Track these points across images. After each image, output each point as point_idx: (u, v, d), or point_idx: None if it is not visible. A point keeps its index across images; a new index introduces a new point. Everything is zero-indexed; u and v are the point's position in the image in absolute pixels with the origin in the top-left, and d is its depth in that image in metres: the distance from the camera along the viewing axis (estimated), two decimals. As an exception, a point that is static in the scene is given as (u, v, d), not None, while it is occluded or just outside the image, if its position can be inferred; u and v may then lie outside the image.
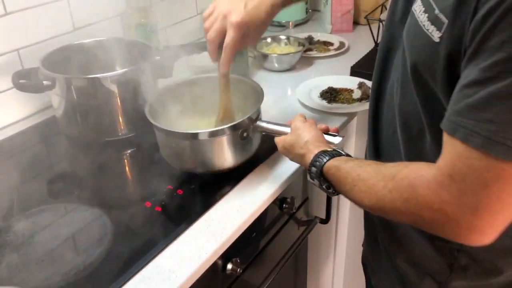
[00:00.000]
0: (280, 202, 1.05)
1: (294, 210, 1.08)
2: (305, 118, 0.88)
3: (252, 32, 0.88)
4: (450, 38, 0.56)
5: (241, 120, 0.92)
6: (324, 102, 1.25)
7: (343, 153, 0.76)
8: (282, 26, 1.78)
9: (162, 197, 0.93)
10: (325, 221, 1.23)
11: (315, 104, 1.24)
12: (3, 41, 1.14)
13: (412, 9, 0.65)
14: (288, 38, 1.53)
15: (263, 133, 0.96)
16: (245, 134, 0.93)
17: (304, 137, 0.81)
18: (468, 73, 0.53)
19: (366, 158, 0.90)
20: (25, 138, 1.16)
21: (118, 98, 1.07)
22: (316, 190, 1.20)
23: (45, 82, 1.04)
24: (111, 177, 1.04)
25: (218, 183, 0.96)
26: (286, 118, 1.00)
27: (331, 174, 0.73)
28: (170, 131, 0.93)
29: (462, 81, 0.54)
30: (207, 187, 0.96)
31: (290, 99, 1.31)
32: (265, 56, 1.43)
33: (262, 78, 1.42)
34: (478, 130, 0.52)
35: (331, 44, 1.61)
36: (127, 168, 1.11)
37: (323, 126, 0.87)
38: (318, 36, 1.66)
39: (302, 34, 1.65)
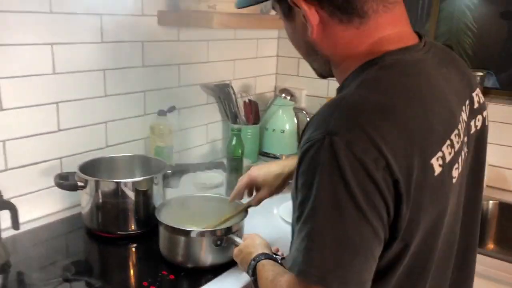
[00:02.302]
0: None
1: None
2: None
3: (263, 188, 1.23)
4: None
5: (215, 229, 1.19)
6: (301, 219, 1.51)
7: (278, 258, 1.01)
8: (276, 158, 2.11)
9: (157, 279, 1.16)
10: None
11: (293, 220, 1.50)
12: (51, 151, 1.47)
13: None
14: (278, 166, 1.85)
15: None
16: (218, 242, 1.18)
17: (256, 241, 1.08)
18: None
19: None
20: (55, 227, 1.43)
21: (133, 200, 1.35)
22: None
23: (79, 183, 1.34)
24: (120, 261, 1.29)
25: (203, 272, 1.19)
26: (270, 232, 1.32)
27: (259, 270, 0.96)
28: (166, 225, 1.20)
29: None
30: (195, 275, 1.18)
31: (275, 216, 1.57)
32: (257, 180, 1.73)
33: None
34: (293, 257, 0.68)
35: (315, 175, 1.92)
36: (133, 257, 1.35)
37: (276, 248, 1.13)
38: (306, 168, 1.97)
39: (292, 165, 1.96)
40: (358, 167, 0.63)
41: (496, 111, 1.88)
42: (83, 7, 1.45)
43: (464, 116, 0.82)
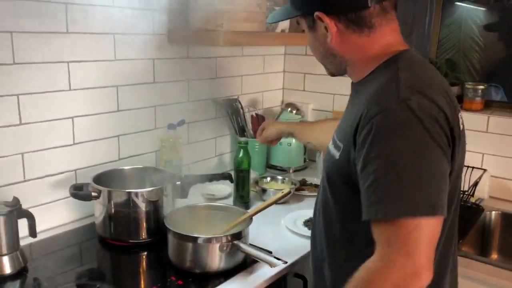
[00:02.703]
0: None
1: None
2: None
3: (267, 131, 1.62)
4: (344, 155, 0.95)
5: (221, 235, 1.24)
6: (306, 229, 1.56)
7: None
8: (284, 170, 2.17)
9: (166, 284, 1.22)
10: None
11: (299, 230, 1.55)
12: (67, 163, 1.54)
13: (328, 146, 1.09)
14: (284, 178, 1.91)
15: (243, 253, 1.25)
16: (225, 248, 1.24)
17: None
18: (364, 181, 0.86)
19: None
20: (69, 236, 1.50)
21: (144, 210, 1.41)
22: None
23: (93, 193, 1.41)
24: (131, 268, 1.36)
25: (211, 277, 1.25)
26: (276, 241, 1.42)
27: None
28: (175, 232, 1.26)
29: (362, 186, 0.87)
30: (202, 281, 1.24)
31: (281, 226, 1.61)
32: (264, 190, 1.79)
33: (261, 208, 1.76)
34: (391, 206, 0.82)
35: (321, 186, 1.97)
36: (144, 264, 1.41)
37: None
38: (313, 180, 2.03)
39: (298, 177, 2.02)
40: (431, 119, 0.85)
41: (498, 123, 1.93)
42: (98, 27, 1.54)
43: None
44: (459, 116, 0.96)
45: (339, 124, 1.08)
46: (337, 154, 0.98)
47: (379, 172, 0.84)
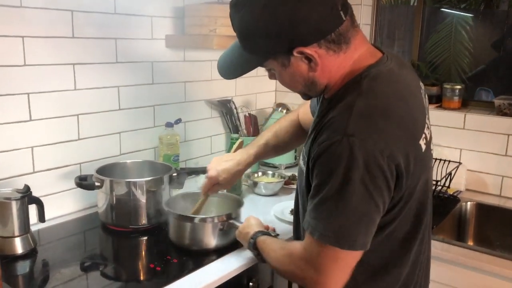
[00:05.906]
0: (247, 279, 1.42)
1: (258, 290, 1.45)
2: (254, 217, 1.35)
3: (222, 183, 1.40)
4: (307, 169, 1.01)
5: (217, 215, 1.39)
6: (292, 217, 1.69)
7: (272, 234, 1.24)
8: (275, 167, 2.30)
9: (162, 262, 1.35)
10: (286, 307, 1.57)
11: (286, 217, 1.68)
12: (72, 157, 1.68)
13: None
14: (274, 173, 2.04)
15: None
16: (221, 227, 1.37)
17: (251, 223, 1.30)
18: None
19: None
20: (74, 224, 1.64)
21: (143, 198, 1.54)
22: (279, 280, 1.58)
23: (96, 183, 1.54)
24: (131, 250, 1.50)
25: (204, 254, 1.38)
26: None
27: (260, 244, 1.18)
28: (173, 213, 1.41)
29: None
30: (195, 258, 1.37)
31: (270, 215, 1.74)
32: (255, 184, 1.92)
33: (253, 200, 1.89)
34: (312, 225, 0.94)
35: (309, 181, 2.10)
36: (142, 246, 1.54)
37: (266, 226, 1.34)
38: (301, 175, 2.16)
39: (289, 173, 2.15)
40: (369, 158, 0.87)
41: (474, 120, 2.05)
42: (101, 33, 1.68)
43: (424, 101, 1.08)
44: (422, 137, 0.97)
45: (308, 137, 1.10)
46: (304, 167, 1.04)
47: (312, 191, 0.95)
